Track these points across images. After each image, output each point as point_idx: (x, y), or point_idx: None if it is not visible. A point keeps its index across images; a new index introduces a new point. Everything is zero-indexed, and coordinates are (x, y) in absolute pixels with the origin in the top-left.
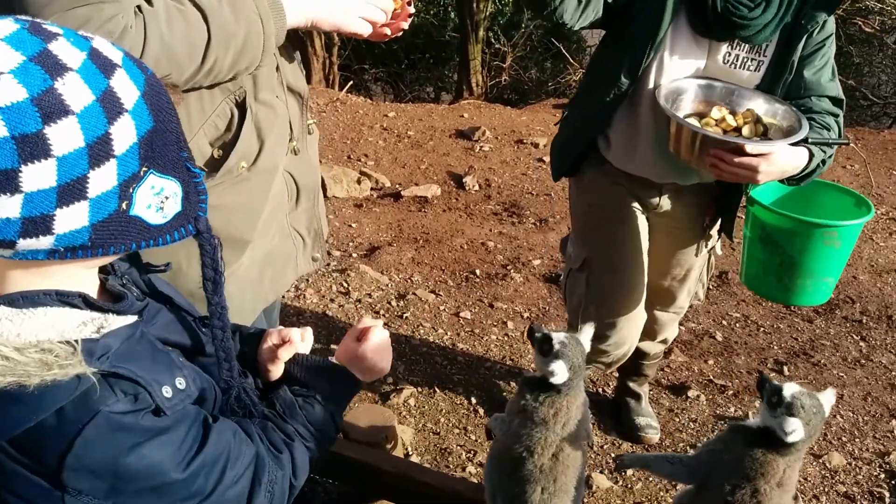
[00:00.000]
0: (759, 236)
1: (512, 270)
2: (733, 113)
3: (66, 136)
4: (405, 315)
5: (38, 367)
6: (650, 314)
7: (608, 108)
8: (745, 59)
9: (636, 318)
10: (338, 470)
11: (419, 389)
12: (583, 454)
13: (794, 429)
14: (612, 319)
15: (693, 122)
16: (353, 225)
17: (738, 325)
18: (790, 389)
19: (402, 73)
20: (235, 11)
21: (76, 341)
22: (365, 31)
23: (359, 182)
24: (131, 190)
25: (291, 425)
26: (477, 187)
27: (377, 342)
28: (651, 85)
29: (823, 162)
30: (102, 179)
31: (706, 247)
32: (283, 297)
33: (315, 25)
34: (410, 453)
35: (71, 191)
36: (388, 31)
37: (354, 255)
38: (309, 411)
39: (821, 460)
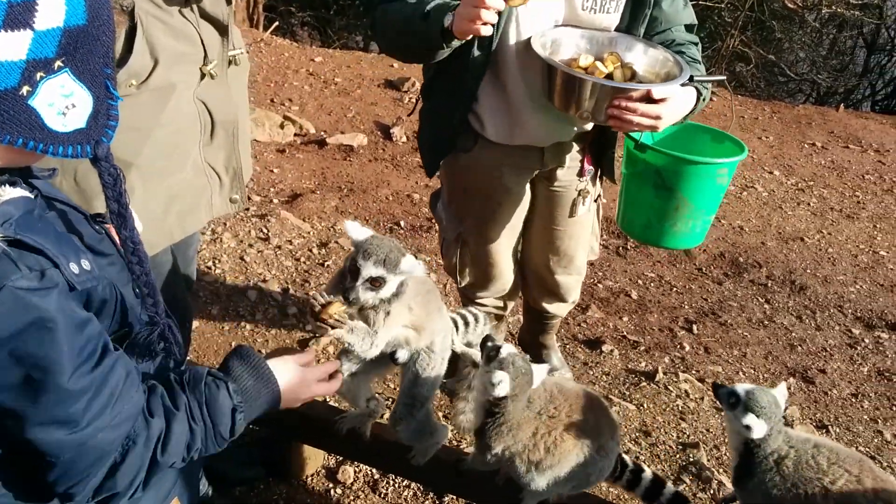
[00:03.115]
0: (654, 183)
1: (436, 223)
2: (600, 59)
3: None
4: (326, 263)
5: None
6: (553, 279)
7: (470, 86)
8: (604, 3)
9: (510, 272)
10: None
11: None
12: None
13: (753, 425)
14: (487, 279)
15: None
16: (275, 170)
17: (652, 284)
18: (743, 388)
19: (330, 18)
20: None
21: None
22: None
23: (282, 127)
24: (39, 77)
25: (186, 397)
26: (404, 139)
27: (318, 376)
28: (512, 49)
29: (704, 99)
30: (11, 45)
31: (591, 198)
32: (200, 240)
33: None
34: (328, 398)
35: None
36: None
37: (275, 200)
38: (212, 393)
39: (722, 413)
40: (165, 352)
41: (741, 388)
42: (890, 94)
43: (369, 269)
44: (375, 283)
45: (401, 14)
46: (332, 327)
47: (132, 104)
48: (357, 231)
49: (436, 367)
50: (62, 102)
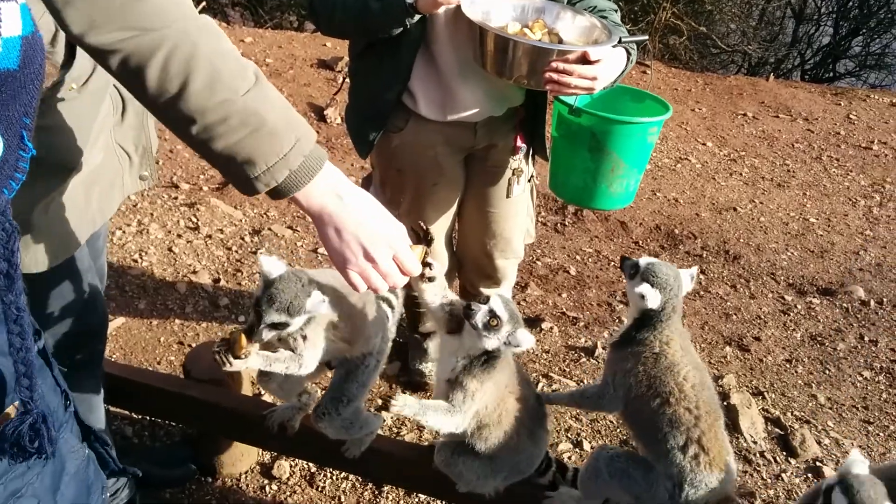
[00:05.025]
0: (589, 146)
1: None
2: (526, 27)
3: None
4: (259, 251)
5: None
6: (491, 263)
7: (407, 60)
8: None
9: (445, 256)
10: (179, 410)
11: None
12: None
13: (646, 293)
14: None
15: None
16: None
17: (590, 259)
18: (644, 260)
19: None
20: (287, 117)
21: None
22: (360, 285)
23: None
24: None
25: None
26: (339, 120)
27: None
28: (442, 19)
29: (631, 61)
30: None
31: (525, 177)
32: (124, 231)
33: (329, 221)
34: (263, 392)
35: None
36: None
37: (205, 188)
38: None
39: None
40: (37, 451)
41: (643, 260)
42: (818, 64)
43: (271, 316)
44: (278, 326)
45: None
46: (251, 361)
47: (73, 107)
48: (271, 267)
49: (370, 366)
50: None
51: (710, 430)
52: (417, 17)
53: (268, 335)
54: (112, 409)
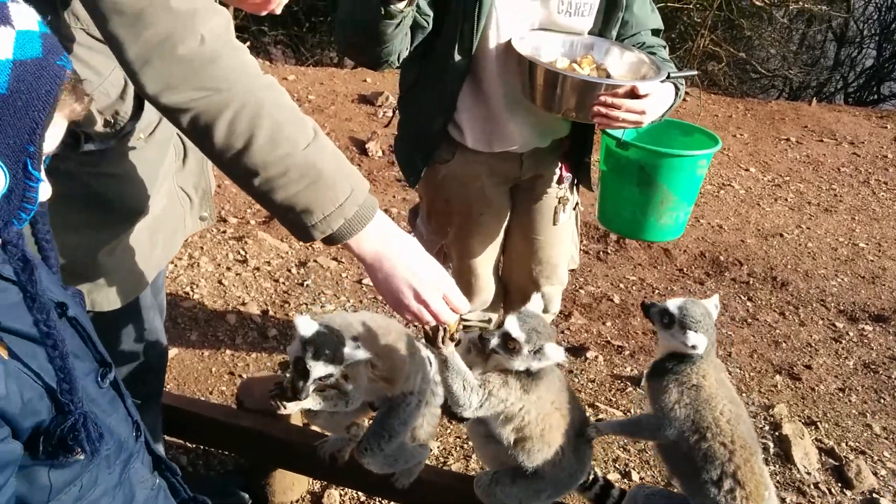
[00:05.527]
0: (637, 179)
1: (414, 236)
2: (575, 62)
3: None
4: (306, 283)
5: None
6: (538, 290)
7: (451, 94)
8: (579, 5)
9: (492, 284)
10: (232, 440)
11: None
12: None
13: (697, 342)
14: (471, 292)
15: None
16: None
17: (634, 287)
18: (674, 304)
19: (303, 36)
20: (342, 169)
21: None
22: (423, 317)
23: None
24: None
25: None
26: (380, 153)
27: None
28: (492, 53)
29: (680, 95)
30: None
31: (570, 206)
32: (175, 265)
33: (380, 266)
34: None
35: None
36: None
37: (252, 221)
38: None
39: None
40: (77, 444)
41: (672, 304)
42: (862, 86)
43: (318, 370)
44: (323, 378)
45: None
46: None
47: (140, 155)
48: (305, 327)
49: (411, 405)
50: None
51: (746, 465)
52: (399, 7)
53: (313, 387)
54: (167, 438)
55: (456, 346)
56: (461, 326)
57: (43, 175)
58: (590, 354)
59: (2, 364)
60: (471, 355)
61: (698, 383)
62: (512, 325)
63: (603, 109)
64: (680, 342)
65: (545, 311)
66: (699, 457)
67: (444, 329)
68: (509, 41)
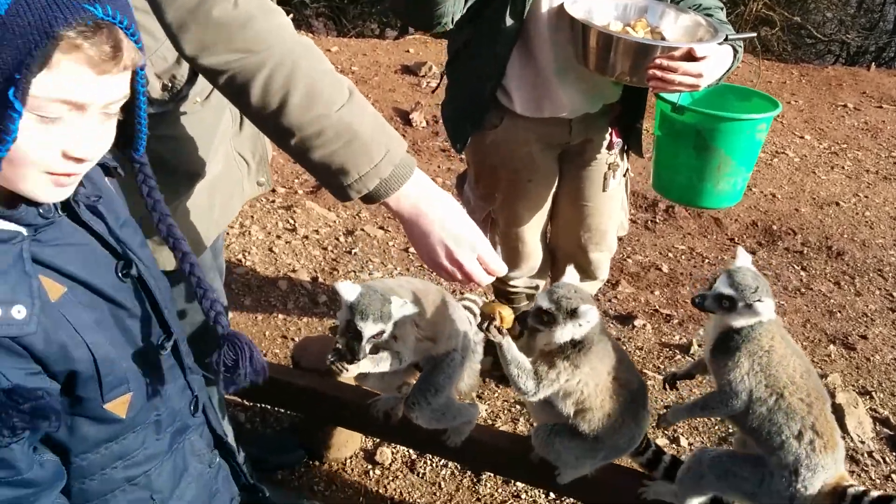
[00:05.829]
0: (694, 144)
1: (463, 206)
2: (628, 25)
3: None
4: (353, 251)
5: None
6: (586, 257)
7: (500, 58)
8: None
9: (539, 251)
10: (287, 398)
11: None
12: None
13: (766, 311)
14: (518, 258)
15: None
16: None
17: (683, 256)
18: (725, 286)
19: (344, 7)
20: (378, 129)
21: None
22: (456, 277)
23: None
24: None
25: None
26: (424, 123)
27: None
28: (544, 17)
29: (738, 58)
30: None
31: (621, 172)
32: (228, 233)
33: (416, 224)
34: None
35: None
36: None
37: (300, 191)
38: None
39: None
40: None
41: (724, 287)
42: None
43: (370, 329)
44: (376, 336)
45: None
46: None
47: (196, 119)
48: (349, 291)
49: (455, 361)
50: None
51: (822, 415)
52: None
53: (368, 347)
54: (227, 396)
55: (516, 339)
56: (516, 324)
57: (26, 113)
58: (637, 323)
59: (38, 302)
60: (527, 339)
61: (769, 348)
62: (541, 298)
63: (659, 73)
64: (749, 317)
65: (594, 277)
66: (780, 416)
67: (491, 319)
68: (561, 5)
